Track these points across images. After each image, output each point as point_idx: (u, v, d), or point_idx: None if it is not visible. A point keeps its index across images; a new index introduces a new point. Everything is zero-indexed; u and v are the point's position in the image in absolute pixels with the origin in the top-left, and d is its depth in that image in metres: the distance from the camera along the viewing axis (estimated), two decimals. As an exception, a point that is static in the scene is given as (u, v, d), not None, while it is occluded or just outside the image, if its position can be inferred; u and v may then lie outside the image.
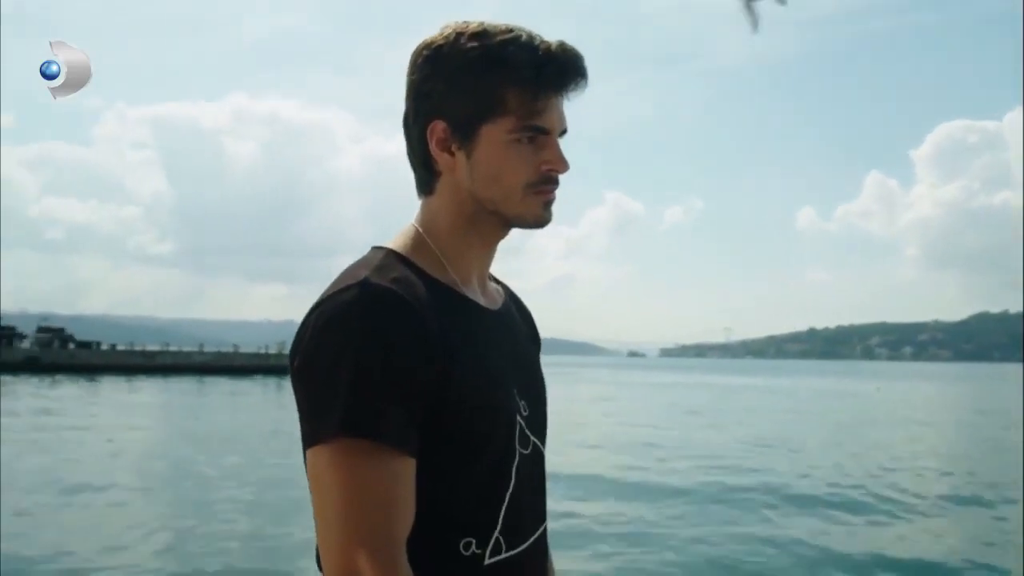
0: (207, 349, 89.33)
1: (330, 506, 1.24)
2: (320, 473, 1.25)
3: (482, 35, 1.37)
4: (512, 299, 1.62)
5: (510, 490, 1.38)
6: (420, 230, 1.44)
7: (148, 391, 50.20)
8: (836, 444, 25.76)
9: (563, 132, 1.42)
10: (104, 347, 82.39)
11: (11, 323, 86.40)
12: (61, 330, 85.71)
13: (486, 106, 1.36)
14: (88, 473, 17.80)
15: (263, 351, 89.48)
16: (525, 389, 1.46)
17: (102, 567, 10.42)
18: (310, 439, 1.27)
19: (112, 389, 50.57)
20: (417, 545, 1.27)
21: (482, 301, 1.46)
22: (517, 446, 1.40)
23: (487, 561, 1.35)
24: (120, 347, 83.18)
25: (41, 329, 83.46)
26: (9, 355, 69.29)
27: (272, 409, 39.86)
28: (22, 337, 78.77)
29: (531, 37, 1.38)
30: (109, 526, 12.80)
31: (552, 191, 1.40)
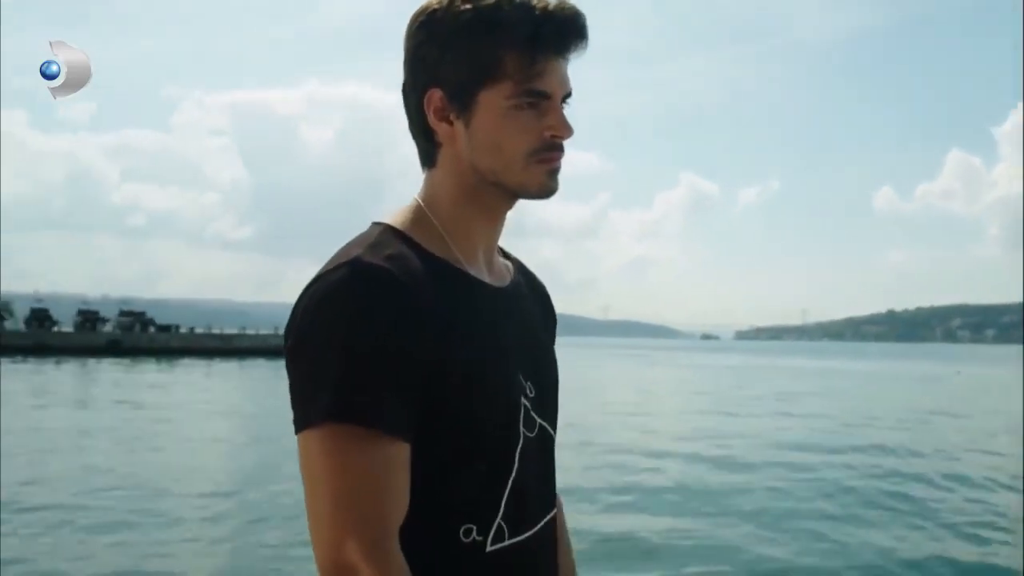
0: (283, 332, 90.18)
1: (319, 494, 1.20)
2: (309, 460, 1.21)
3: None
4: (524, 276, 1.55)
5: (513, 475, 1.32)
6: (422, 204, 1.38)
7: (226, 373, 51.09)
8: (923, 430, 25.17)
9: (567, 96, 1.35)
10: (183, 330, 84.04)
11: (94, 307, 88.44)
12: (142, 314, 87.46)
13: (482, 71, 1.29)
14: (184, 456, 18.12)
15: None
16: (532, 370, 1.40)
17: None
18: (299, 424, 1.22)
19: (189, 371, 51.54)
20: (416, 532, 1.23)
21: (487, 278, 1.40)
22: (522, 429, 1.34)
23: (489, 548, 1.30)
24: (199, 330, 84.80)
25: (123, 313, 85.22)
26: (93, 338, 70.82)
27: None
28: (104, 321, 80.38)
29: None
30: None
31: (557, 158, 1.34)
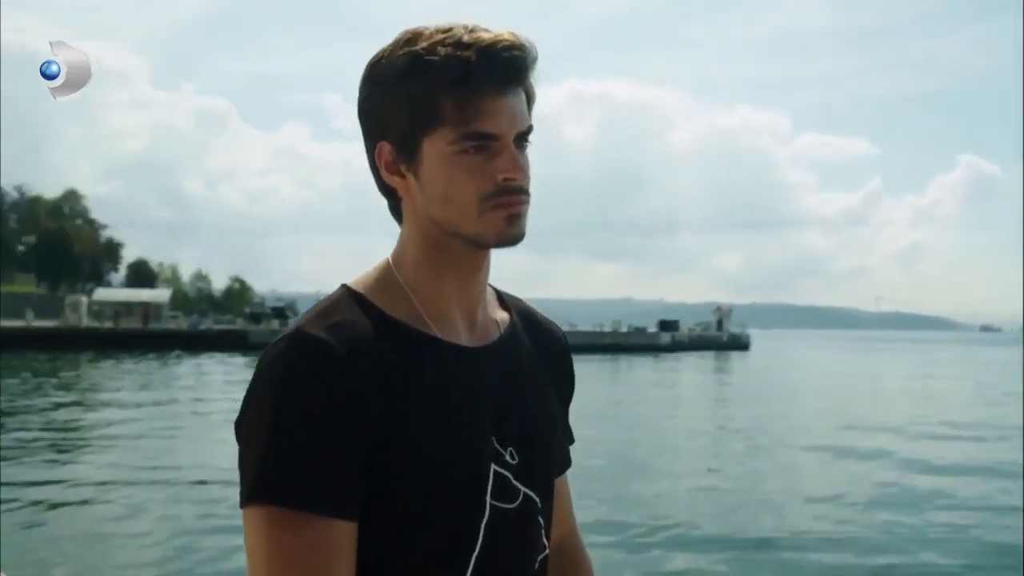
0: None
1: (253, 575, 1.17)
2: (246, 539, 1.17)
3: (413, 40, 1.24)
4: (529, 328, 1.45)
5: (476, 551, 1.24)
6: (390, 262, 1.32)
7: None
8: None
9: (525, 133, 1.26)
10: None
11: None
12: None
13: (421, 119, 1.22)
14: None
15: (598, 329, 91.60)
16: (514, 433, 1.30)
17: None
18: (240, 502, 1.18)
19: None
20: None
21: (462, 337, 1.31)
22: (489, 500, 1.25)
23: None
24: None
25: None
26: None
27: (606, 387, 40.67)
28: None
29: (468, 32, 1.23)
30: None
31: (515, 203, 1.24)
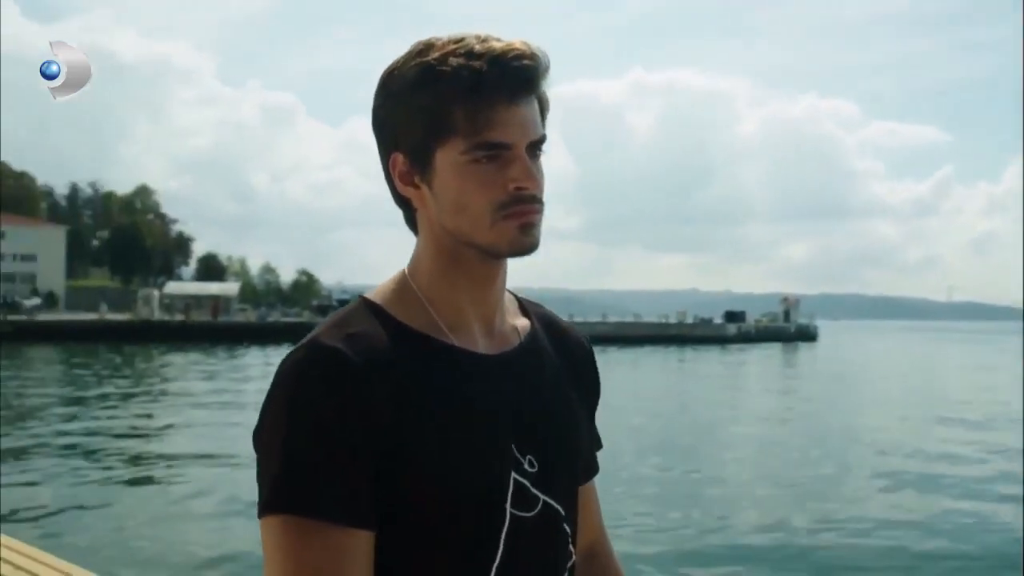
0: (610, 319, 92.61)
1: None
2: (264, 548, 1.18)
3: (425, 51, 1.24)
4: (552, 335, 1.44)
5: (497, 561, 1.23)
6: (406, 273, 1.33)
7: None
8: None
9: (538, 143, 1.26)
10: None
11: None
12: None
13: (434, 129, 1.23)
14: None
15: (663, 320, 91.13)
16: (535, 440, 1.29)
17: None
18: (258, 512, 1.19)
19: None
20: None
21: (479, 345, 1.31)
22: (509, 509, 1.24)
23: None
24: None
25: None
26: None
27: (669, 379, 40.47)
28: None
29: (480, 42, 1.23)
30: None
31: (528, 212, 1.24)
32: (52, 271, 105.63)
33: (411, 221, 1.33)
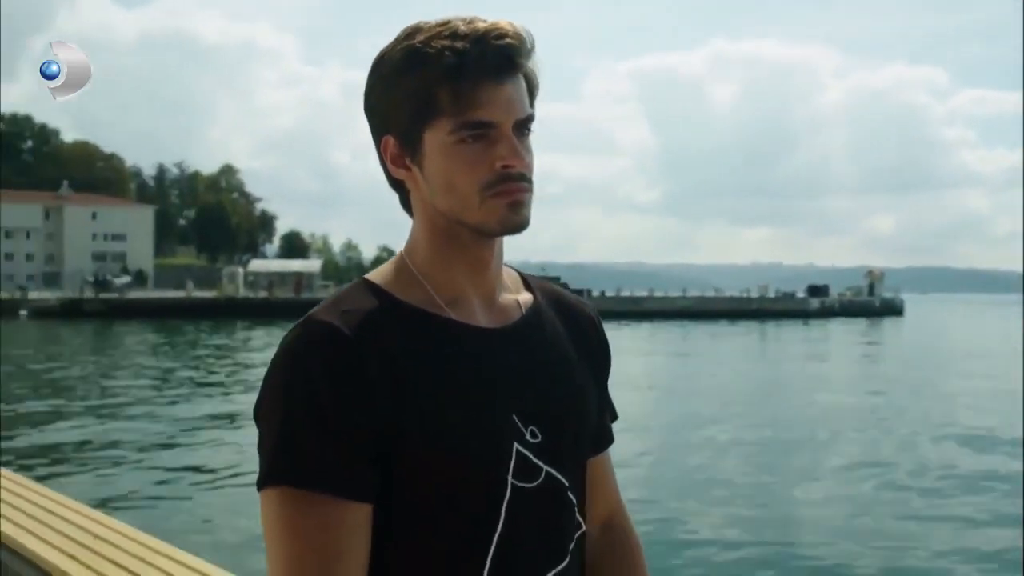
0: (691, 294, 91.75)
1: (270, 557, 1.20)
2: (262, 521, 1.22)
3: (413, 33, 1.26)
4: (557, 308, 1.44)
5: (498, 531, 1.25)
6: (403, 254, 1.35)
7: (635, 337, 52.60)
8: None
9: (525, 121, 1.27)
10: (595, 294, 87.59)
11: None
12: (557, 279, 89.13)
13: (421, 110, 1.24)
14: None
15: (744, 295, 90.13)
16: (538, 411, 1.30)
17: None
18: (257, 485, 1.23)
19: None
20: None
21: (480, 319, 1.32)
22: (511, 480, 1.26)
23: None
24: (609, 294, 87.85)
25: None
26: (513, 303, 75.41)
27: (748, 355, 40.04)
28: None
29: (466, 23, 1.24)
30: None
31: (516, 190, 1.25)
32: (141, 250, 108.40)
33: (406, 203, 1.35)
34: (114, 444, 15.76)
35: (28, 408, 20.14)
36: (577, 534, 1.36)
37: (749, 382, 27.55)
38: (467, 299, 1.32)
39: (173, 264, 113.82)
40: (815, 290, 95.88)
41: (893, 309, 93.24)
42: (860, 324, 72.29)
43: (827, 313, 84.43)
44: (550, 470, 1.30)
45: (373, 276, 1.33)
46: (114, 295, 71.73)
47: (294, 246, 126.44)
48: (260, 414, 1.24)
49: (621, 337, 52.24)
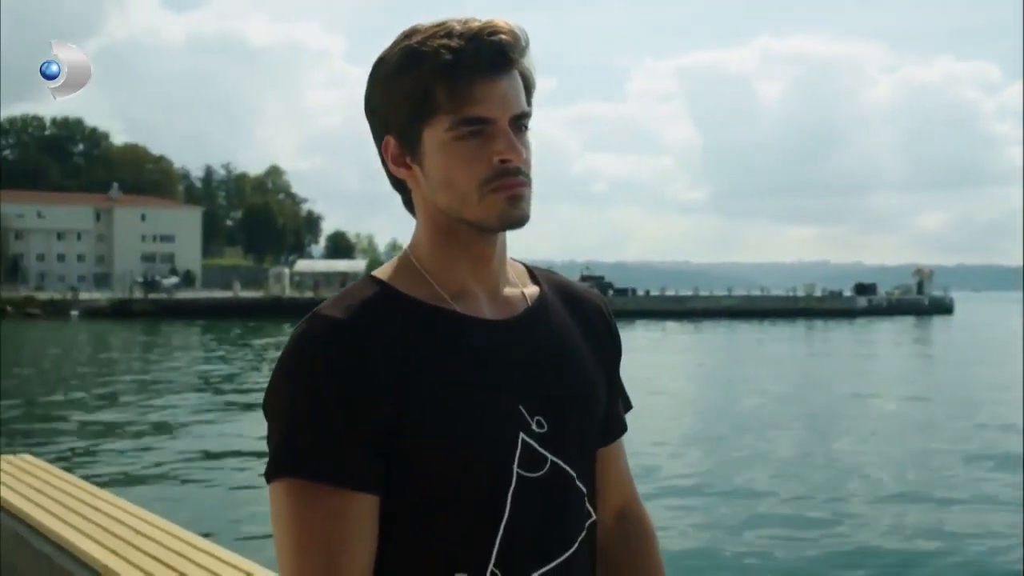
0: (736, 292, 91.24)
1: (278, 548, 1.23)
2: (271, 512, 1.25)
3: (410, 34, 1.29)
4: (565, 298, 1.45)
5: (504, 519, 1.26)
6: (408, 251, 1.37)
7: (679, 336, 52.33)
8: None
9: (520, 118, 1.29)
10: (639, 293, 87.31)
11: (559, 272, 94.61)
12: (601, 278, 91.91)
13: (418, 109, 1.26)
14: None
15: (790, 294, 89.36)
16: (544, 401, 1.32)
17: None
18: (266, 478, 1.25)
19: (644, 334, 53.36)
20: None
21: (485, 312, 1.33)
22: (516, 469, 1.27)
23: None
24: (653, 293, 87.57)
25: (583, 278, 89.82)
26: (557, 302, 75.46)
27: (793, 354, 39.70)
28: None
29: (461, 23, 1.27)
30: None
31: (514, 185, 1.26)
32: (189, 251, 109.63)
33: (408, 203, 1.37)
34: (156, 441, 15.99)
35: (75, 406, 20.51)
36: (588, 523, 1.38)
37: (795, 382, 27.29)
38: (471, 293, 1.34)
39: (220, 265, 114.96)
40: (862, 288, 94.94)
41: (942, 307, 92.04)
42: (908, 323, 71.40)
43: (875, 312, 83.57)
44: (556, 460, 1.32)
45: (380, 273, 1.36)
46: (163, 295, 72.77)
47: (340, 246, 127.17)
48: (268, 408, 1.27)
49: (665, 336, 52.06)
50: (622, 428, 1.53)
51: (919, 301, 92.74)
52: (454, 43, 1.24)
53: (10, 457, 6.47)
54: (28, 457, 6.61)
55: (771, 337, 51.98)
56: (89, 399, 21.81)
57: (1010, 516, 10.97)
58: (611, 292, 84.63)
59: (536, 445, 1.30)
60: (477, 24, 1.27)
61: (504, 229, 1.31)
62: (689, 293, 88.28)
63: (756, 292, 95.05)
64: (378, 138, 1.34)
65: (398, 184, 1.37)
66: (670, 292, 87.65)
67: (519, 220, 1.29)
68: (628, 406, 1.54)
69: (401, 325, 1.27)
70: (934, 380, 28.60)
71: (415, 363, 1.25)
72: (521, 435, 1.29)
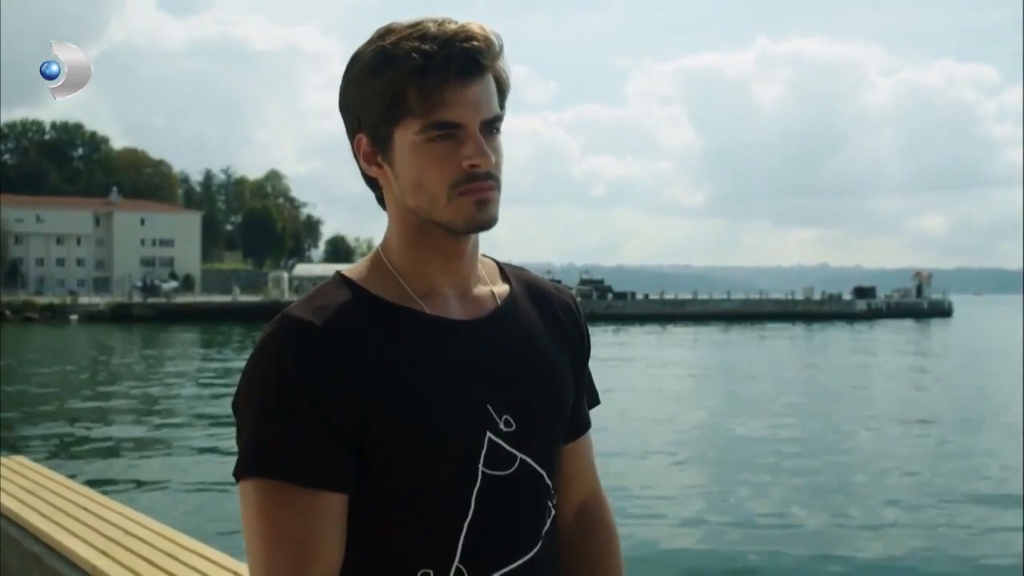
0: (735, 296, 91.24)
1: (248, 546, 1.25)
2: (241, 510, 1.26)
3: (385, 34, 1.29)
4: (533, 298, 1.46)
5: (469, 517, 1.29)
6: (379, 249, 1.39)
7: (678, 339, 52.33)
8: None
9: (493, 121, 1.30)
10: (638, 297, 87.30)
11: (557, 276, 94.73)
12: (600, 281, 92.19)
13: (389, 110, 1.27)
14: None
15: (789, 297, 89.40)
16: (512, 400, 1.33)
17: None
18: (235, 476, 1.27)
19: (643, 337, 53.35)
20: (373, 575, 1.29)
21: (453, 312, 1.35)
22: (482, 468, 1.30)
23: None
24: (652, 296, 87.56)
25: (583, 282, 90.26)
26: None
27: (793, 356, 39.70)
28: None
29: (436, 25, 1.27)
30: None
31: (482, 188, 1.28)
32: (188, 255, 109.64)
33: (381, 200, 1.39)
34: (151, 443, 16.02)
35: (72, 410, 20.54)
36: (550, 517, 1.40)
37: (794, 385, 27.31)
38: (441, 292, 1.35)
39: (220, 269, 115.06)
40: (862, 292, 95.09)
41: (941, 311, 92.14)
42: (907, 326, 71.38)
43: (874, 315, 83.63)
44: (525, 458, 1.34)
45: (349, 272, 1.37)
46: (162, 300, 72.76)
47: (339, 250, 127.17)
48: (238, 407, 1.28)
49: (664, 340, 52.07)
50: (587, 424, 1.54)
51: (918, 304, 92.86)
52: (427, 47, 1.25)
53: (4, 459, 6.51)
54: (22, 459, 6.66)
55: (770, 340, 51.98)
56: (85, 403, 21.80)
57: (1010, 517, 11.00)
58: (610, 296, 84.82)
59: (504, 444, 1.32)
60: (452, 28, 1.27)
61: (471, 232, 1.32)
62: (688, 296, 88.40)
63: (755, 295, 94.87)
64: (351, 135, 1.35)
65: (371, 182, 1.38)
66: (669, 296, 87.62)
67: (486, 223, 1.30)
68: (594, 401, 1.56)
69: (370, 326, 1.28)
70: (933, 381, 28.59)
71: (383, 364, 1.26)
72: (488, 434, 1.31)
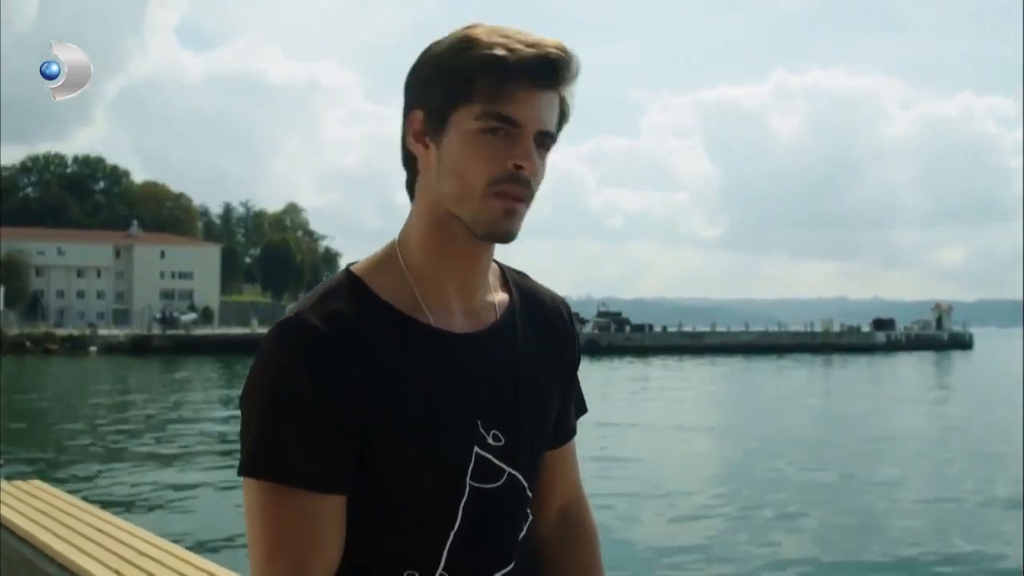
0: (753, 328, 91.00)
1: (250, 544, 1.29)
2: (245, 508, 1.29)
3: (472, 27, 1.33)
4: (532, 309, 1.48)
5: (455, 529, 1.33)
6: (396, 243, 1.39)
7: (695, 371, 52.12)
8: None
9: (546, 135, 1.31)
10: (656, 329, 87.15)
11: (577, 308, 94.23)
12: (618, 314, 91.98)
13: (455, 92, 1.28)
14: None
15: (808, 329, 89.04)
16: (502, 416, 1.36)
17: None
18: (238, 471, 1.30)
19: (661, 369, 53.16)
20: (359, 573, 1.32)
21: (455, 325, 1.36)
22: (469, 482, 1.33)
23: None
24: (670, 329, 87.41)
25: (600, 314, 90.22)
26: (573, 338, 75.47)
27: (811, 389, 39.47)
28: (584, 322, 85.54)
29: (519, 33, 1.31)
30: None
31: (517, 196, 1.29)
32: (207, 287, 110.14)
33: (411, 186, 1.38)
34: (165, 463, 16.05)
35: (85, 432, 20.66)
36: (526, 524, 1.44)
37: (812, 418, 27.14)
38: (448, 302, 1.37)
39: (239, 301, 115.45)
40: (881, 324, 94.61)
41: (962, 343, 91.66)
42: (927, 358, 70.93)
43: (894, 347, 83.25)
44: (512, 471, 1.38)
45: (359, 269, 1.37)
46: (181, 331, 73.04)
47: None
48: (244, 404, 1.31)
49: (682, 373, 51.88)
50: (572, 432, 1.57)
51: (938, 336, 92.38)
52: (511, 44, 1.27)
53: (19, 483, 6.55)
54: (37, 483, 6.69)
55: (789, 372, 51.70)
56: (104, 431, 21.87)
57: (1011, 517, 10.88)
58: (628, 328, 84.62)
59: (492, 458, 1.35)
60: (536, 38, 1.30)
61: (488, 237, 1.32)
62: (707, 329, 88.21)
63: (774, 328, 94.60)
64: (407, 109, 1.35)
65: (409, 162, 1.37)
66: (687, 328, 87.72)
67: (507, 233, 1.31)
68: (582, 410, 1.59)
69: (376, 333, 1.30)
70: (951, 411, 28.33)
71: (388, 373, 1.29)
72: (476, 448, 1.34)
